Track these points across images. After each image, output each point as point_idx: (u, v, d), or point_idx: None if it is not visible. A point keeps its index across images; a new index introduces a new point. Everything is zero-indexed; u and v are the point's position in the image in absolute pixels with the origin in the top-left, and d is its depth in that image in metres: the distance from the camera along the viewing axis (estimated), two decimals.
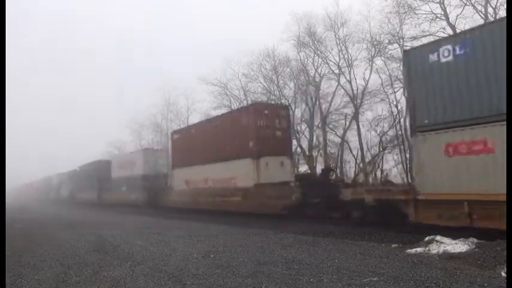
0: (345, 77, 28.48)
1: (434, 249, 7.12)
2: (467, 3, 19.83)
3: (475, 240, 7.35)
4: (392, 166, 28.97)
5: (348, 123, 29.52)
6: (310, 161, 29.92)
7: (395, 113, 26.24)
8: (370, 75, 27.51)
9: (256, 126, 15.47)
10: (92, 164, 36.89)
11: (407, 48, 22.35)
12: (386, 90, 26.68)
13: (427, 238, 7.68)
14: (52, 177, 53.08)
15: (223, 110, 36.42)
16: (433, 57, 8.70)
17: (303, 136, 31.72)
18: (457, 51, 8.31)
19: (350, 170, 30.73)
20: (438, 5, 20.88)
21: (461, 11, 20.08)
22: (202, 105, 41.96)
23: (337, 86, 29.53)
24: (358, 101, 27.82)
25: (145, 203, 24.30)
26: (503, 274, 5.19)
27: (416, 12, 21.56)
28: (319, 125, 30.91)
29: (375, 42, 25.57)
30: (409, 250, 7.21)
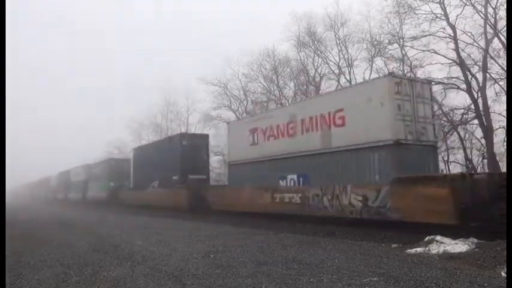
0: (345, 77, 28.54)
1: (434, 249, 7.13)
2: (467, 3, 19.85)
3: (475, 240, 7.35)
4: None
5: None
6: None
7: None
8: (370, 75, 27.49)
9: None
10: (169, 141, 21.66)
11: (407, 48, 22.70)
12: None
13: (427, 238, 7.69)
14: (71, 171, 39.63)
15: (223, 110, 36.62)
16: None
17: None
18: None
19: None
20: (438, 5, 20.90)
21: (461, 11, 20.10)
22: (202, 105, 41.87)
23: (337, 86, 29.55)
24: None
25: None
26: (503, 274, 5.19)
27: (416, 12, 21.57)
28: None
29: (375, 42, 25.61)
30: (409, 250, 7.22)
